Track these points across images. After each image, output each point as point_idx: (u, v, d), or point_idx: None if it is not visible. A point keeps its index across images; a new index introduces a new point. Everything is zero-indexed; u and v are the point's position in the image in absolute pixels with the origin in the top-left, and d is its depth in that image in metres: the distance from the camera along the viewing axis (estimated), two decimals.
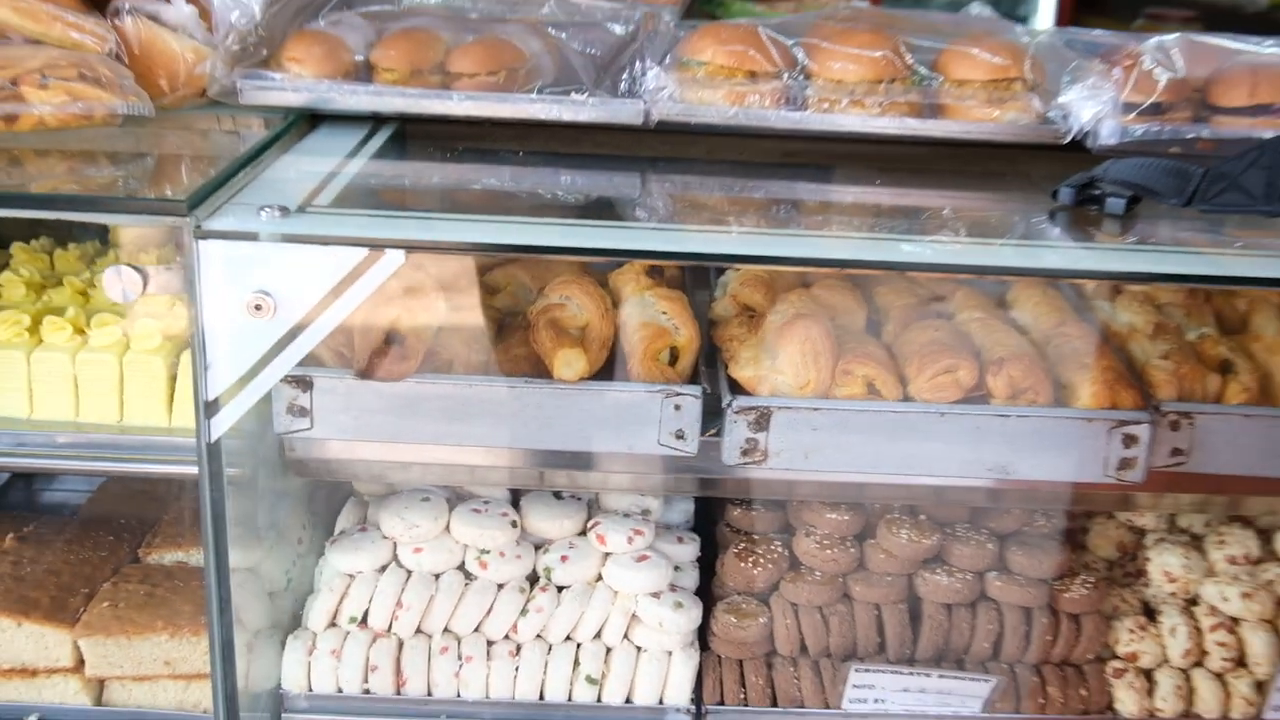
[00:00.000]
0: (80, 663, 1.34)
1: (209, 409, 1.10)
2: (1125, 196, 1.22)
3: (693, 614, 1.38)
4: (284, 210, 1.09)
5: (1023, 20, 5.39)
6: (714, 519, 1.53)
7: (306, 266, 1.07)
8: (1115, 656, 1.44)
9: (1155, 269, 1.17)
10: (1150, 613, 1.47)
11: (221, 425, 1.11)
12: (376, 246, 1.06)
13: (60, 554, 1.43)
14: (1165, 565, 1.46)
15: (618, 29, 1.65)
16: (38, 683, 1.33)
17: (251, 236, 1.06)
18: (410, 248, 1.08)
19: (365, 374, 1.21)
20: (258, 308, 1.07)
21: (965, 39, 1.46)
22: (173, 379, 1.26)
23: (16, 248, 1.47)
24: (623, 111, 1.39)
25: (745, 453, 1.25)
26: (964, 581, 1.41)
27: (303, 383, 1.23)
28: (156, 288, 1.12)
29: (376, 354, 1.21)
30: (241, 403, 1.11)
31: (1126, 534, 1.54)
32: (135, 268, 1.12)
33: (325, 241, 1.06)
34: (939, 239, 1.22)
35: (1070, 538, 1.52)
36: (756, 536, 1.46)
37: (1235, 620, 1.42)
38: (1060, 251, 1.21)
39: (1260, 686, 1.41)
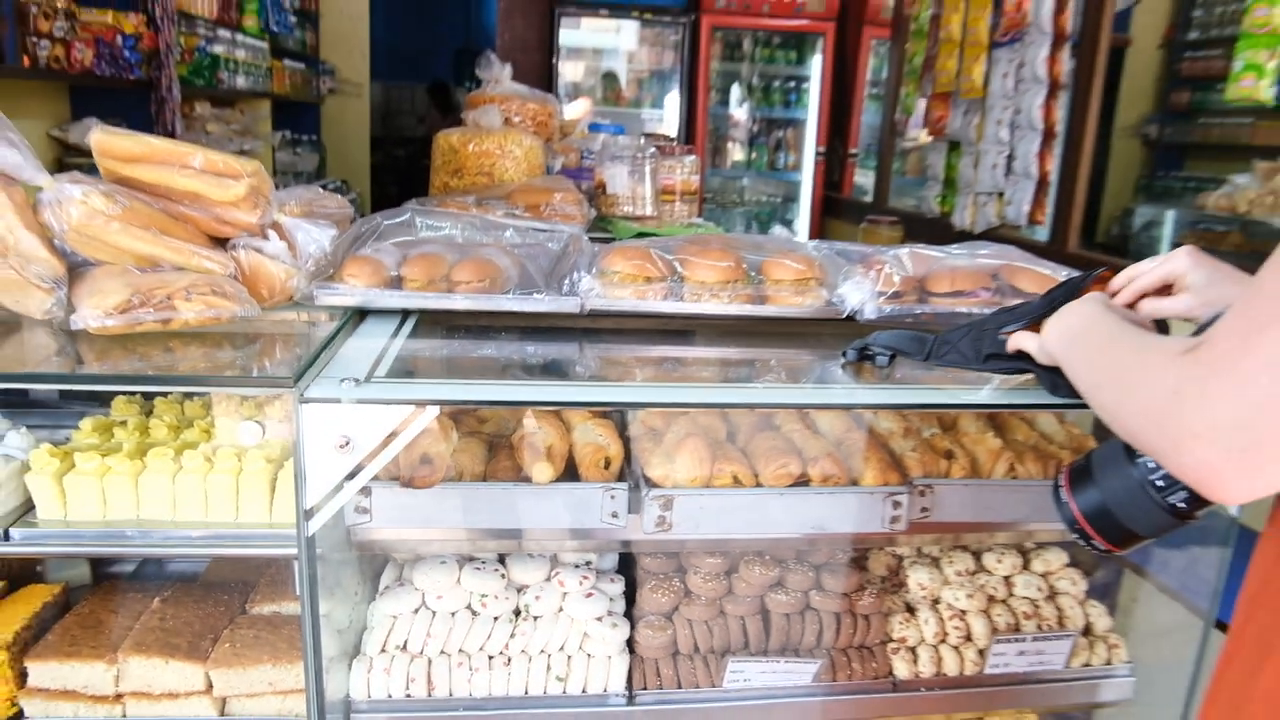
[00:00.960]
0: (210, 687, 1.28)
1: (307, 515, 1.09)
2: (888, 355, 1.31)
3: (623, 630, 1.39)
4: (356, 381, 1.10)
5: (789, 222, 5.69)
6: (633, 563, 1.54)
7: (374, 418, 1.08)
8: (892, 640, 1.48)
9: (902, 400, 1.25)
10: (911, 610, 1.52)
11: (315, 525, 1.10)
12: (419, 404, 1.08)
13: (192, 610, 1.37)
14: (918, 579, 1.52)
15: (554, 247, 1.71)
16: (178, 703, 1.27)
17: (336, 400, 1.07)
18: (440, 404, 1.10)
19: (407, 484, 1.21)
20: (341, 446, 1.07)
21: (778, 253, 1.55)
22: (272, 490, 1.23)
23: (117, 400, 1.42)
24: (567, 304, 1.43)
25: (658, 525, 1.28)
26: (796, 598, 1.45)
27: (365, 491, 1.22)
28: (271, 434, 1.12)
29: (414, 471, 1.21)
30: (329, 509, 1.10)
31: (892, 559, 1.59)
32: (258, 422, 1.12)
33: (387, 402, 1.08)
34: (771, 385, 1.29)
35: (859, 563, 1.58)
36: (662, 576, 1.48)
37: (964, 612, 1.49)
38: (848, 390, 1.27)
39: (982, 653, 1.47)
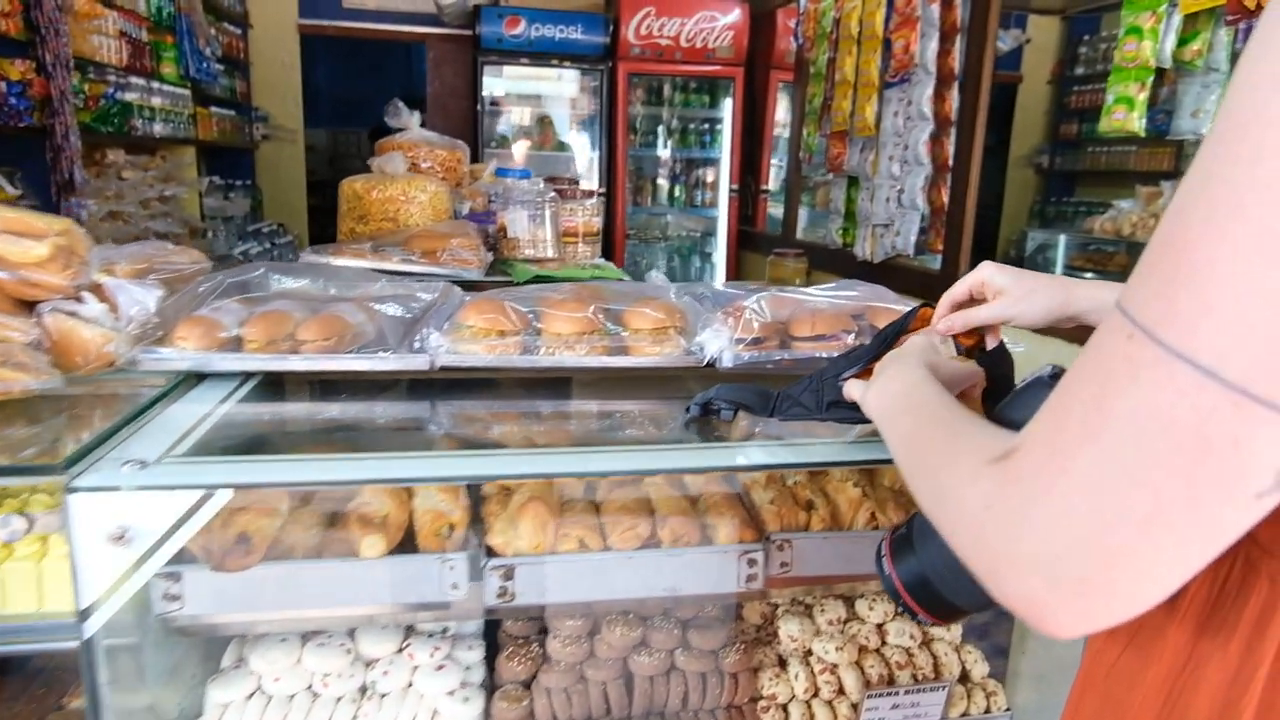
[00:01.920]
0: None
1: (82, 615, 0.92)
2: (732, 409, 1.19)
3: (476, 704, 1.24)
4: (143, 463, 0.94)
5: (708, 255, 5.62)
6: (499, 624, 1.39)
7: (158, 506, 0.92)
8: (762, 697, 1.35)
9: (750, 461, 1.12)
10: (783, 663, 1.39)
11: (94, 624, 0.93)
12: (209, 488, 0.92)
13: (5, 704, 1.18)
14: (789, 631, 1.40)
15: (427, 298, 1.56)
16: None
17: (114, 488, 0.91)
18: (235, 488, 0.94)
19: (218, 568, 1.05)
20: (117, 539, 0.91)
21: (639, 302, 1.42)
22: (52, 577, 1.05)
23: None
24: (415, 362, 1.28)
25: (499, 596, 1.13)
26: (660, 659, 1.31)
27: (173, 576, 1.06)
28: (41, 528, 0.95)
29: (226, 552, 1.05)
30: (111, 606, 0.93)
31: (766, 606, 1.47)
32: (23, 514, 0.94)
33: (171, 488, 0.92)
34: (620, 450, 1.16)
35: (732, 610, 1.45)
36: (522, 640, 1.33)
37: (835, 665, 1.36)
38: (686, 452, 1.14)
39: (855, 707, 1.35)
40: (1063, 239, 5.18)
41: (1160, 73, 2.41)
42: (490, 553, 1.15)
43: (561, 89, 5.45)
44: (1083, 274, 4.89)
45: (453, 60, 5.58)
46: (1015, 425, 0.70)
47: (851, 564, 1.26)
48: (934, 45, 3.29)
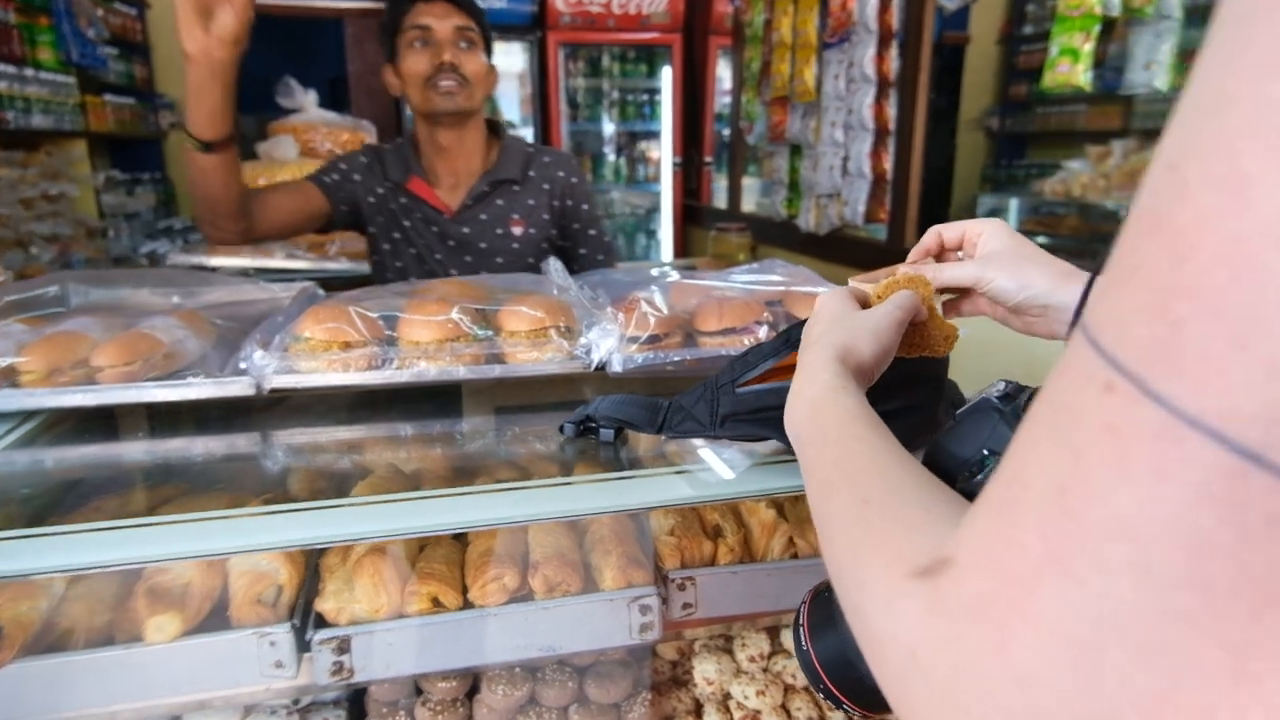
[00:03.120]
0: None
1: None
2: (613, 427, 0.99)
3: None
4: None
5: (652, 232, 5.41)
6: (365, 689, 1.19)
7: None
8: None
9: (626, 503, 0.92)
10: (699, 708, 1.21)
11: None
12: None
13: None
14: (704, 673, 1.21)
15: (288, 304, 1.33)
16: None
17: None
18: None
19: None
20: None
21: (515, 298, 1.21)
22: None
23: None
24: (234, 387, 1.06)
25: (333, 673, 0.92)
26: (553, 717, 1.11)
27: None
28: None
29: None
30: None
31: (684, 642, 1.28)
32: None
33: None
34: (474, 491, 0.94)
35: (641, 651, 1.25)
36: (390, 706, 1.13)
37: (757, 712, 1.18)
38: (561, 491, 0.93)
39: None
40: (1014, 202, 5.04)
41: (1109, 25, 2.23)
42: (322, 621, 0.94)
43: (526, 63, 5.16)
44: (1034, 237, 4.76)
45: (375, 37, 5.26)
46: (956, 466, 0.53)
47: (769, 599, 1.07)
48: (873, 2, 3.09)
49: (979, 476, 0.49)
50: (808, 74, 3.41)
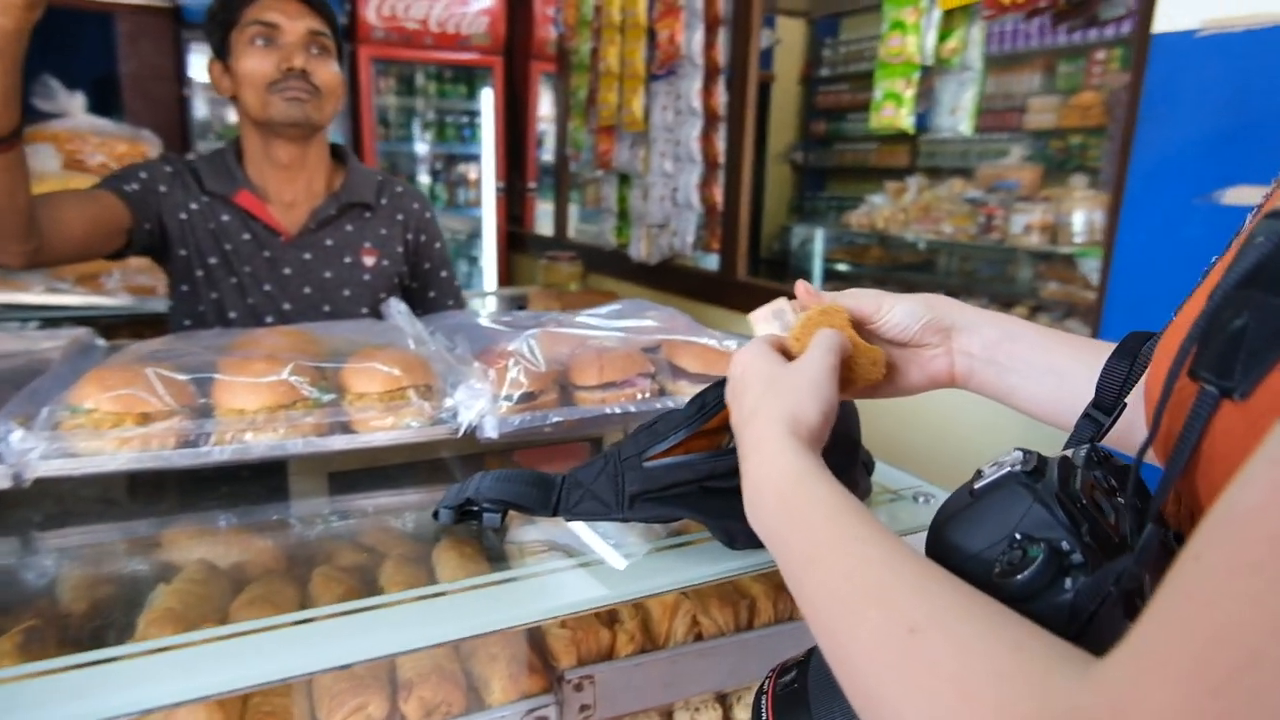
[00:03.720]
0: None
1: None
2: (498, 511, 0.84)
3: None
4: None
5: (474, 259, 5.20)
6: None
7: None
8: None
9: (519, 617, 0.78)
10: None
11: None
12: None
13: None
14: None
15: (52, 354, 1.06)
16: None
17: None
18: None
19: None
20: None
21: (363, 353, 1.03)
22: None
23: None
24: None
25: None
26: None
27: None
28: None
29: None
30: None
31: None
32: None
33: None
34: (316, 615, 0.76)
35: None
36: None
37: None
38: (439, 606, 0.77)
39: None
40: (819, 233, 5.33)
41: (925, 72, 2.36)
42: None
43: None
44: (839, 268, 5.05)
45: (153, 35, 4.69)
46: (979, 558, 0.45)
47: (677, 687, 0.96)
48: (699, 36, 3.12)
49: (1023, 575, 0.40)
50: (635, 104, 3.39)
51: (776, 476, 0.52)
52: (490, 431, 0.98)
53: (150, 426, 0.88)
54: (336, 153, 1.67)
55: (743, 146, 3.11)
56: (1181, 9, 1.54)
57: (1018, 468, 0.46)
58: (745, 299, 2.95)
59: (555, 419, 1.02)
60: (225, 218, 1.51)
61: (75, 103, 2.36)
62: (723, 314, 2.98)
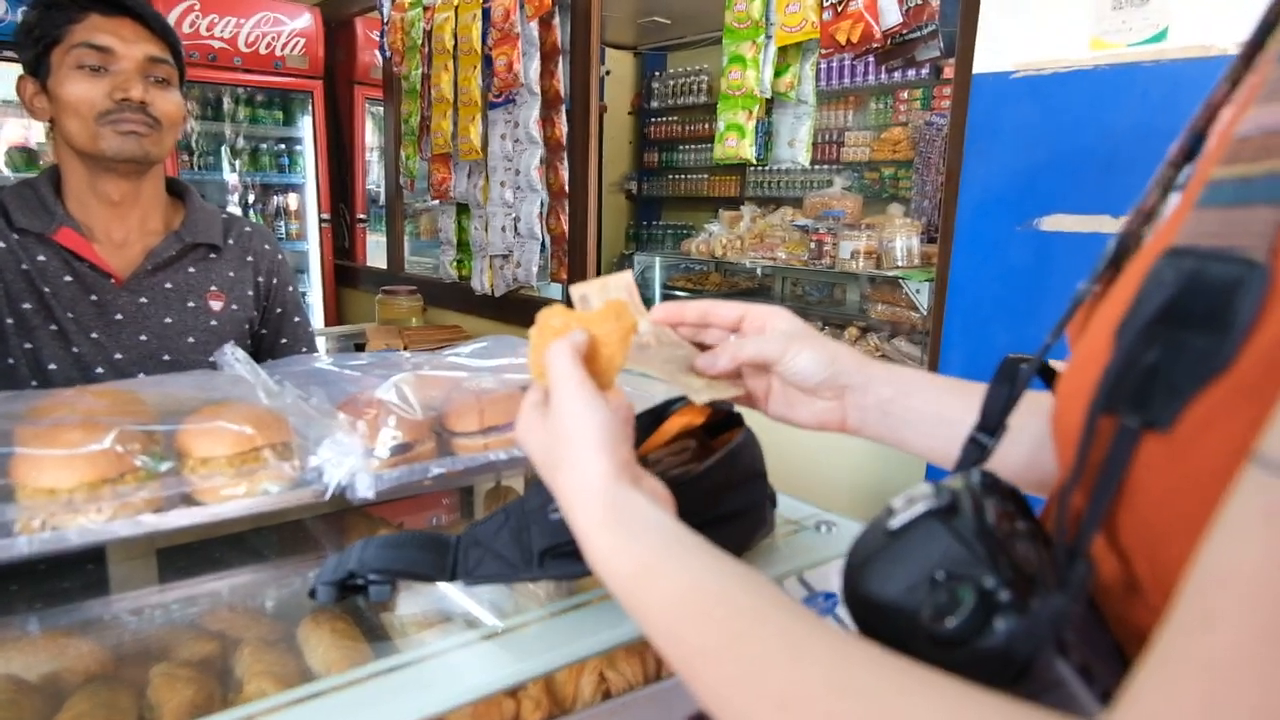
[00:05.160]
0: None
1: None
2: (387, 581, 0.75)
3: None
4: None
5: (302, 294, 4.88)
6: None
7: None
8: None
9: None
10: None
11: None
12: None
13: None
14: None
15: None
16: None
17: None
18: None
19: None
20: None
21: (204, 411, 0.90)
22: None
23: None
24: None
25: None
26: None
27: None
28: None
29: None
30: None
31: None
32: None
33: None
34: None
35: None
36: None
37: None
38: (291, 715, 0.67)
39: None
40: (658, 260, 5.45)
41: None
42: None
43: None
44: (678, 293, 5.17)
45: None
46: (895, 606, 0.43)
47: None
48: (536, 64, 3.10)
49: (954, 619, 0.40)
50: (473, 132, 3.31)
51: (625, 556, 0.48)
52: (364, 490, 0.88)
53: None
54: (174, 188, 1.50)
55: (587, 175, 3.12)
56: (997, 53, 1.69)
57: (931, 503, 0.45)
58: None
59: (437, 471, 0.94)
60: (41, 258, 1.31)
61: None
62: None
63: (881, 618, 0.43)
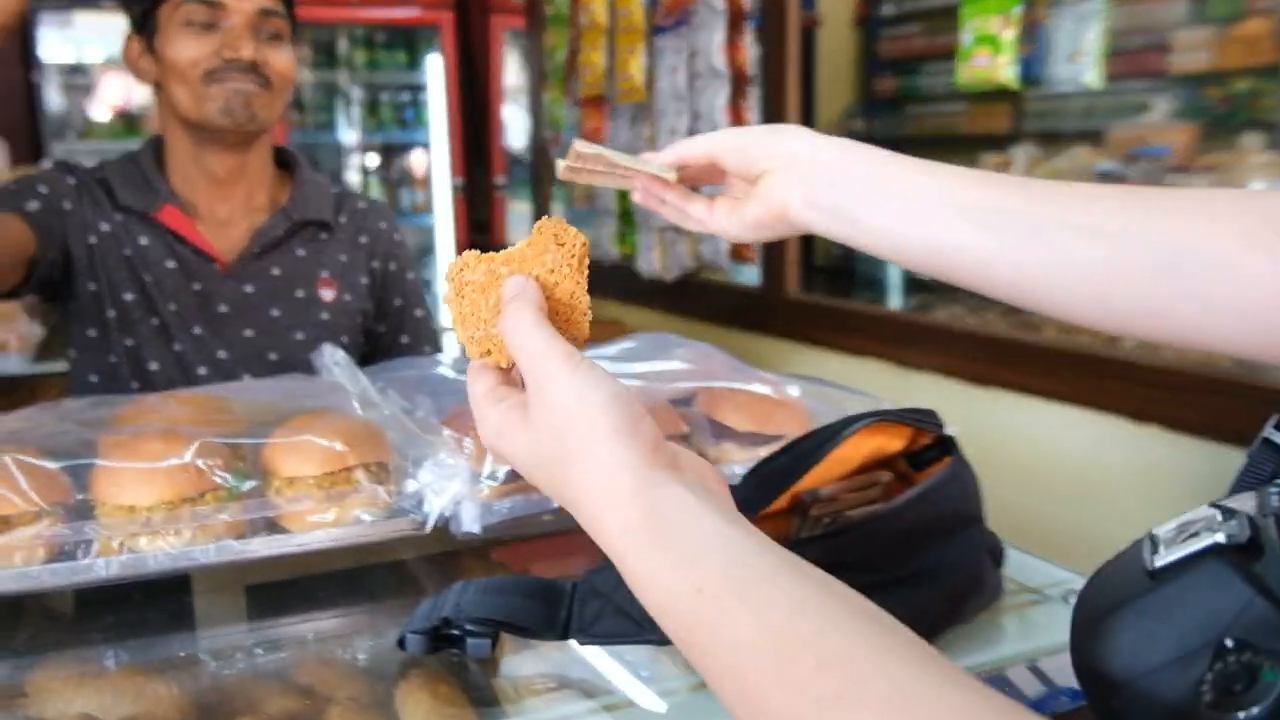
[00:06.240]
0: None
1: None
2: (488, 634, 0.84)
3: None
4: None
5: (428, 283, 5.24)
6: None
7: None
8: None
9: None
10: None
11: None
12: None
13: None
14: None
15: None
16: None
17: None
18: None
19: None
20: None
21: (292, 423, 1.04)
22: None
23: None
24: None
25: None
26: None
27: None
28: None
29: None
30: None
31: None
32: None
33: None
34: None
35: None
36: None
37: None
38: None
39: None
40: None
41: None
42: None
43: None
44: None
45: None
46: (1154, 676, 0.42)
47: None
48: None
49: (1253, 710, 0.39)
50: (634, 66, 3.44)
51: (660, 609, 0.49)
52: (470, 524, 0.99)
53: (13, 534, 0.89)
54: (282, 158, 1.72)
55: (784, 115, 3.15)
56: None
57: (1218, 535, 0.43)
58: (798, 322, 2.97)
59: (556, 505, 1.03)
60: (144, 241, 1.56)
61: None
62: (770, 345, 3.01)
63: (1129, 696, 0.42)
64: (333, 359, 1.31)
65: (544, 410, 0.55)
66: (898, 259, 0.73)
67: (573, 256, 0.61)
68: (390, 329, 1.77)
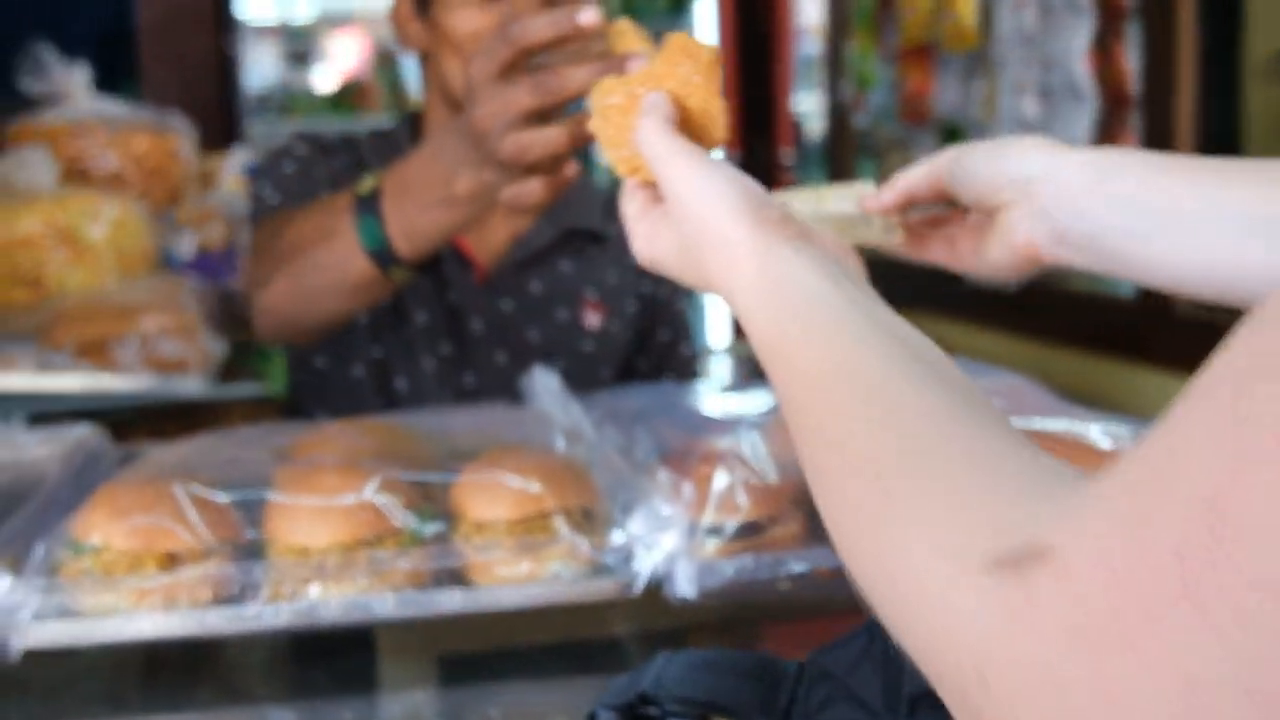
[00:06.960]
0: None
1: None
2: (692, 717, 0.94)
3: None
4: None
5: (687, 293, 5.38)
6: None
7: None
8: None
9: None
10: None
11: None
12: None
13: None
14: None
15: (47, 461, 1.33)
16: None
17: None
18: None
19: None
20: None
21: (487, 459, 1.19)
22: None
23: None
24: None
25: None
26: None
27: None
28: None
29: None
30: None
31: None
32: None
33: None
34: None
35: None
36: None
37: None
38: None
39: None
40: None
41: None
42: None
43: None
44: None
45: None
46: None
47: None
48: None
49: None
50: (964, 5, 3.47)
51: (773, 272, 0.66)
52: (685, 586, 1.09)
53: (178, 573, 1.07)
54: None
55: (1175, 61, 3.10)
56: None
57: None
58: (1194, 349, 2.89)
59: (798, 568, 1.12)
60: None
61: (76, 79, 2.82)
62: (1143, 377, 2.92)
63: None
64: (544, 385, 1.46)
65: (676, 205, 0.76)
66: (1180, 291, 0.78)
67: (705, 67, 0.83)
68: (650, 366, 1.90)
